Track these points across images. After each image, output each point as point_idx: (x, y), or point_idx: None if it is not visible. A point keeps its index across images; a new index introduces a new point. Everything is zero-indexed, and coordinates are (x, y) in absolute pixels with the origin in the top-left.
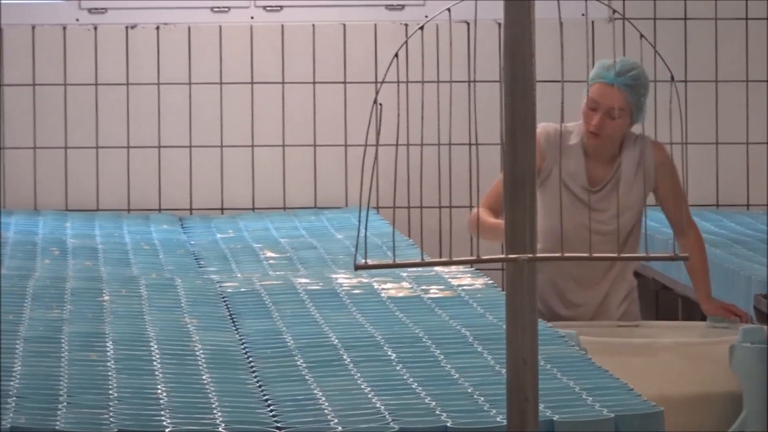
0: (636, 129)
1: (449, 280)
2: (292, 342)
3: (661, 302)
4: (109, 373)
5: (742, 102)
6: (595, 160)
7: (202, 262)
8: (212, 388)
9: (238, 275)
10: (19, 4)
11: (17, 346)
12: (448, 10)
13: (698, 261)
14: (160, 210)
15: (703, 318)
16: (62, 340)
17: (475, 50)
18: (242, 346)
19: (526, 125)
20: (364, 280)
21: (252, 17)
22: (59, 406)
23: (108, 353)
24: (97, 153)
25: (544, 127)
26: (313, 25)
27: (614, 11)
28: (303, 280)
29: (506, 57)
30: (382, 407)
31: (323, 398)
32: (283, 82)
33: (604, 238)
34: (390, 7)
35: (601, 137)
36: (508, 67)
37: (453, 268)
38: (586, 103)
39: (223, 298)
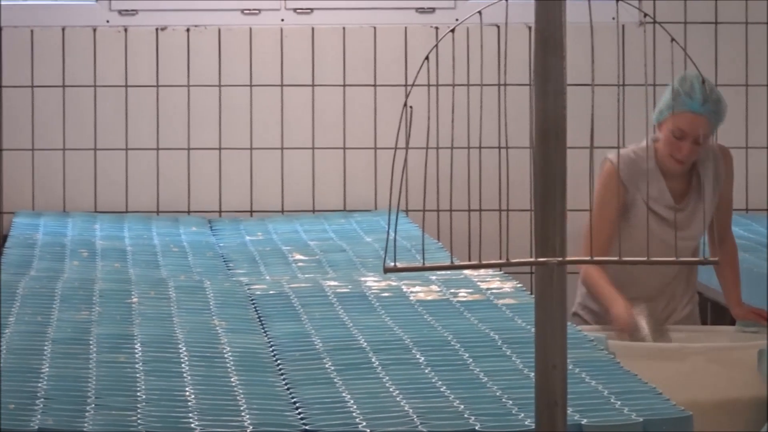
0: None
1: (478, 283)
2: (320, 345)
3: None
4: (137, 375)
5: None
6: (674, 177)
7: (230, 265)
8: (240, 391)
9: (267, 278)
10: (50, 5)
11: (45, 348)
12: (479, 13)
13: (733, 268)
14: (189, 212)
15: (733, 322)
16: (90, 342)
17: (505, 53)
18: (270, 349)
19: (556, 129)
20: (393, 283)
21: (282, 20)
22: (87, 408)
23: (136, 355)
24: (127, 155)
25: (614, 159)
26: (344, 28)
27: (645, 15)
28: (332, 283)
29: (537, 60)
30: (410, 410)
31: (351, 401)
32: (313, 85)
33: (686, 253)
34: (420, 10)
35: (687, 161)
36: (539, 71)
37: (482, 271)
38: (670, 131)
39: (252, 300)
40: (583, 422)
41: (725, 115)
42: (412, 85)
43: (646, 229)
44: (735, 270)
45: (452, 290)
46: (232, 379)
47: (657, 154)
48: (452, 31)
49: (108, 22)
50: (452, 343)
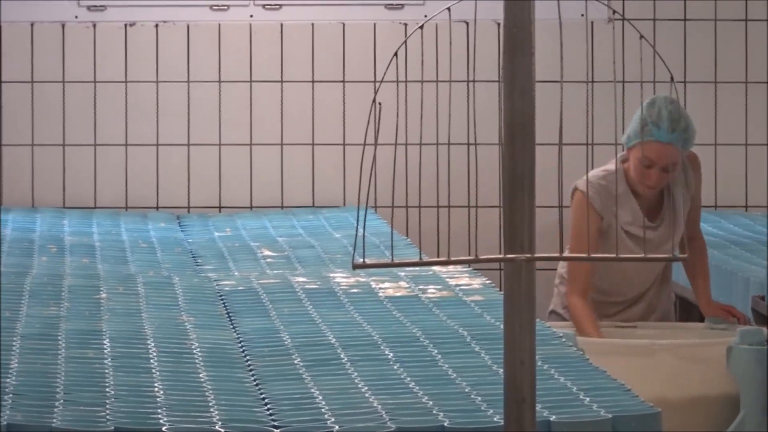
0: None
1: (447, 279)
2: (289, 341)
3: None
4: (106, 371)
5: (741, 103)
6: (645, 197)
7: (199, 261)
8: (209, 387)
9: (236, 274)
10: (19, 0)
11: (14, 343)
12: (448, 9)
13: (702, 265)
14: (157, 208)
15: (702, 319)
16: (59, 338)
17: (474, 50)
18: (239, 345)
19: (525, 125)
20: (362, 280)
21: (251, 16)
22: (56, 404)
23: (105, 351)
24: (95, 150)
25: (583, 188)
26: (313, 24)
27: (614, 12)
28: (301, 279)
29: (506, 57)
30: (379, 406)
31: (320, 397)
32: (282, 81)
33: (664, 265)
34: (389, 7)
35: (657, 188)
36: (508, 67)
37: (451, 267)
38: (638, 159)
39: (221, 296)
40: (551, 419)
41: (694, 140)
42: (381, 81)
43: (623, 252)
44: (704, 268)
45: (421, 287)
46: (200, 375)
47: (627, 175)
48: (421, 27)
49: (77, 17)
50: (421, 339)
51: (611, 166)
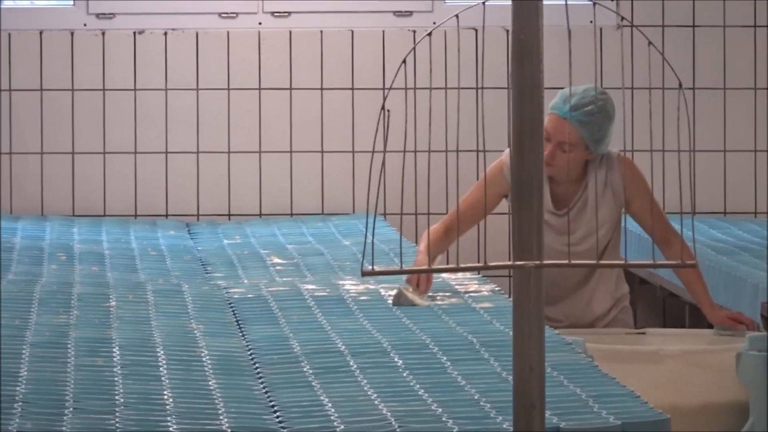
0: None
1: (456, 286)
2: (298, 348)
3: (668, 309)
4: (115, 379)
5: (749, 109)
6: (561, 183)
7: (208, 268)
8: (218, 394)
9: (245, 281)
10: (27, 9)
11: (24, 351)
12: (456, 16)
13: (693, 271)
14: (167, 216)
15: (710, 325)
16: (68, 346)
17: (483, 57)
18: (249, 352)
19: (533, 132)
20: (371, 287)
21: (260, 23)
22: (65, 412)
23: (114, 359)
24: (105, 158)
25: (507, 155)
26: (321, 32)
27: (623, 18)
28: (310, 287)
29: (514, 64)
30: (388, 413)
31: (329, 404)
32: (290, 88)
33: (577, 258)
34: (398, 14)
35: (553, 166)
36: (516, 74)
37: (460, 274)
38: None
39: (230, 304)
40: (561, 425)
41: (599, 132)
42: (390, 88)
43: None
44: (698, 274)
45: (430, 294)
46: (210, 383)
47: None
48: (429, 34)
49: (85, 25)
50: (430, 346)
51: None
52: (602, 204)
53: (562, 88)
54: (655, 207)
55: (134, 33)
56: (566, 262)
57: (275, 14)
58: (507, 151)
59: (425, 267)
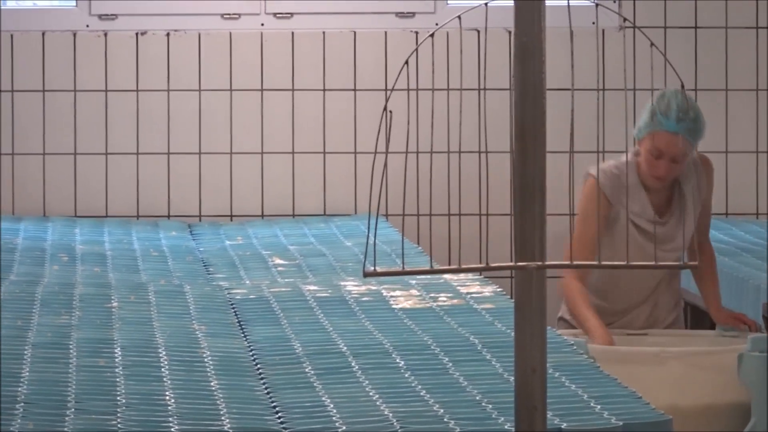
0: None
1: (458, 287)
2: (300, 349)
3: None
4: (117, 380)
5: (751, 111)
6: (656, 192)
7: (210, 269)
8: (220, 395)
9: (247, 282)
10: (30, 10)
11: (25, 352)
12: (459, 17)
13: (711, 272)
14: (169, 217)
15: (712, 327)
16: (70, 346)
17: (485, 58)
18: (250, 353)
19: (536, 133)
20: (373, 288)
21: (262, 24)
22: (67, 412)
23: (116, 359)
24: (107, 159)
25: (594, 173)
26: (324, 33)
27: (625, 19)
28: (312, 288)
29: (517, 65)
30: (390, 414)
31: (331, 405)
32: (293, 90)
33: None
34: (400, 15)
35: (666, 180)
36: (519, 75)
37: (462, 275)
38: (648, 150)
39: (232, 304)
40: (562, 426)
41: (704, 132)
42: (392, 89)
43: (630, 243)
44: (713, 275)
45: (432, 294)
46: (212, 384)
47: (639, 169)
48: (432, 35)
49: (88, 26)
50: (432, 347)
51: (624, 158)
52: (696, 207)
53: (567, 89)
54: (710, 209)
55: (136, 34)
56: (568, 263)
57: (277, 15)
58: (593, 168)
59: (426, 268)
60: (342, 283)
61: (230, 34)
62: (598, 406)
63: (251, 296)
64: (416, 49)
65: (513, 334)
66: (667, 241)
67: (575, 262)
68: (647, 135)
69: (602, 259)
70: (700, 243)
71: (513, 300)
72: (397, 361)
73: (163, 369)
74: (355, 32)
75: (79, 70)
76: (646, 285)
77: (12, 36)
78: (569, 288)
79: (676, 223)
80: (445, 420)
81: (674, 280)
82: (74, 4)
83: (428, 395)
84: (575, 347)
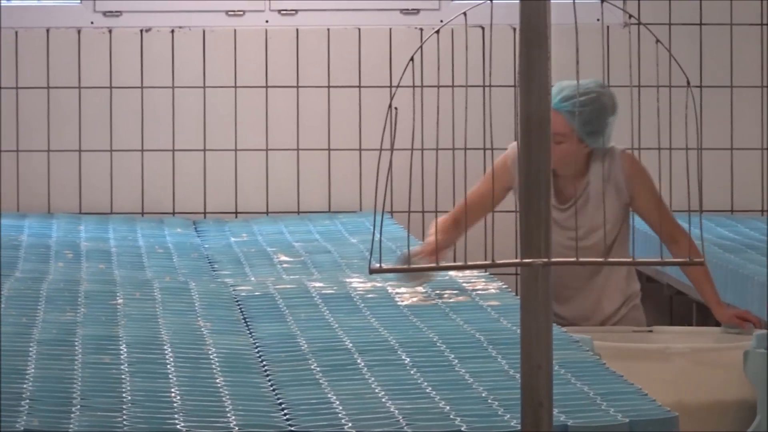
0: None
1: (463, 284)
2: (306, 346)
3: (675, 307)
4: (123, 376)
5: (757, 107)
6: (563, 178)
7: (215, 266)
8: (226, 392)
9: (252, 279)
10: (34, 6)
11: (30, 349)
12: (464, 14)
13: (700, 269)
14: (174, 213)
15: (718, 323)
16: (75, 343)
17: (490, 55)
18: (256, 350)
19: (541, 130)
20: (378, 284)
21: (267, 21)
22: (72, 409)
23: (121, 356)
24: (111, 156)
25: (512, 149)
26: (328, 30)
27: (630, 16)
28: (317, 284)
29: (521, 62)
30: (396, 411)
31: (337, 402)
32: (297, 86)
33: (583, 253)
34: (405, 12)
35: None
36: (524, 72)
37: (467, 272)
38: None
39: (237, 301)
40: (568, 423)
41: (595, 123)
42: (397, 86)
43: None
44: (705, 271)
45: (438, 291)
46: (217, 380)
47: None
48: (437, 32)
49: (92, 23)
50: (438, 344)
51: None
52: (606, 200)
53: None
54: (661, 204)
55: (141, 31)
56: (574, 260)
57: (282, 12)
58: (512, 144)
59: (433, 264)
60: (347, 280)
61: (235, 31)
62: (604, 403)
63: (256, 293)
64: (421, 46)
65: (519, 330)
66: (566, 227)
67: (581, 259)
68: None
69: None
70: (670, 239)
71: (518, 297)
72: (403, 358)
73: (168, 366)
74: (359, 29)
75: (84, 67)
76: (577, 276)
77: (16, 33)
78: (432, 226)
79: (579, 210)
80: (451, 417)
81: (618, 275)
82: (79, 1)
83: (434, 392)
84: (581, 344)
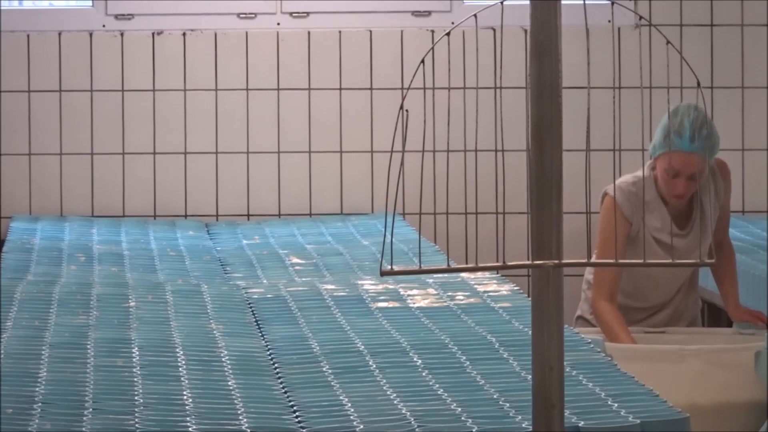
0: None
1: (475, 286)
2: (317, 348)
3: None
4: (135, 379)
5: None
6: (675, 205)
7: (228, 268)
8: (238, 394)
9: (264, 281)
10: (46, 10)
11: (43, 352)
12: (475, 16)
13: (731, 270)
14: (186, 216)
15: (729, 324)
16: (88, 346)
17: (501, 56)
18: (268, 352)
19: (552, 131)
20: (390, 287)
21: (278, 23)
22: (85, 412)
23: (134, 359)
24: (124, 159)
25: (615, 192)
26: (340, 32)
27: (641, 17)
28: (329, 287)
29: (533, 63)
30: (408, 413)
31: (349, 404)
32: (309, 89)
33: (692, 271)
34: (416, 14)
35: (685, 197)
36: (535, 74)
37: (479, 274)
38: (664, 169)
39: (249, 304)
40: (580, 425)
41: (718, 145)
42: (408, 88)
43: (652, 259)
44: (732, 272)
45: (449, 293)
46: (229, 383)
47: (656, 183)
48: (448, 34)
49: (104, 26)
50: (449, 345)
51: (641, 172)
52: (716, 211)
53: (583, 87)
54: (729, 209)
55: (153, 34)
56: (584, 261)
57: (294, 15)
58: (609, 188)
59: (443, 267)
60: (359, 282)
61: (246, 33)
62: (616, 404)
63: (268, 295)
64: (432, 48)
65: (530, 332)
66: (689, 252)
67: (592, 260)
68: (663, 155)
69: (624, 278)
70: (719, 241)
71: (530, 298)
72: (415, 359)
73: (180, 369)
74: (371, 31)
75: (96, 70)
76: (668, 291)
77: (28, 36)
78: (601, 311)
79: (695, 234)
80: (463, 419)
81: (693, 284)
82: (90, 4)
83: (446, 394)
84: (592, 345)
